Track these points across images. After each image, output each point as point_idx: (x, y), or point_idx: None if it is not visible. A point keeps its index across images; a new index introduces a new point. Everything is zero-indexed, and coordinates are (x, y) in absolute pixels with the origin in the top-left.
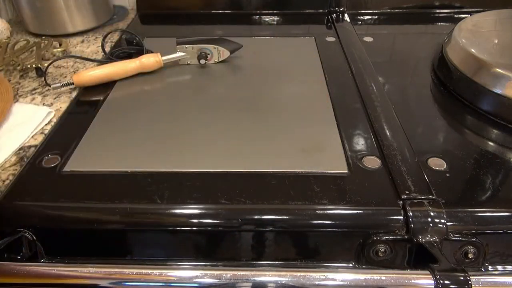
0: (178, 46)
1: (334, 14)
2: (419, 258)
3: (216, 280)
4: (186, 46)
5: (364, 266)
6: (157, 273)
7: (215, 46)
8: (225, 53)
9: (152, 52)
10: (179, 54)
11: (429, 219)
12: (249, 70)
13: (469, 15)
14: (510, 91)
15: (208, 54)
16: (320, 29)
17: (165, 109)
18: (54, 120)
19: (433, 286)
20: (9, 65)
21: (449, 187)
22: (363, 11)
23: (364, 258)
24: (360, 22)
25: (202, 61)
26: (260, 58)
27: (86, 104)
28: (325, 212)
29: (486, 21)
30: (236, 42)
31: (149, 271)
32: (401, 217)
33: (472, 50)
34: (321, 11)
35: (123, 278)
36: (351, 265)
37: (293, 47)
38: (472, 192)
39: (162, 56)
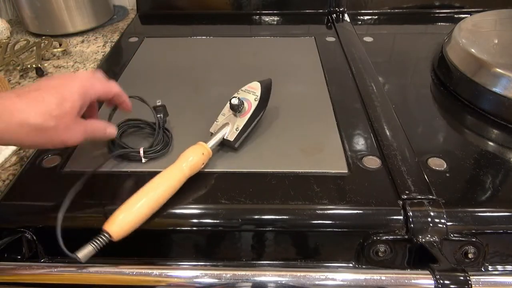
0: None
1: (334, 14)
2: (419, 258)
3: (216, 280)
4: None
5: (364, 266)
6: (157, 273)
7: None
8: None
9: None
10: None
11: (429, 219)
12: (249, 71)
13: (469, 15)
14: (510, 91)
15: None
16: (320, 29)
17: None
18: None
19: (433, 286)
20: (9, 65)
21: (449, 187)
22: (363, 11)
23: (364, 258)
24: (360, 22)
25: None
26: (260, 58)
27: None
28: (325, 212)
29: (486, 21)
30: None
31: (149, 271)
32: (401, 217)
33: (472, 50)
34: (321, 11)
35: (123, 278)
36: (351, 265)
37: (293, 47)
38: (472, 192)
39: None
